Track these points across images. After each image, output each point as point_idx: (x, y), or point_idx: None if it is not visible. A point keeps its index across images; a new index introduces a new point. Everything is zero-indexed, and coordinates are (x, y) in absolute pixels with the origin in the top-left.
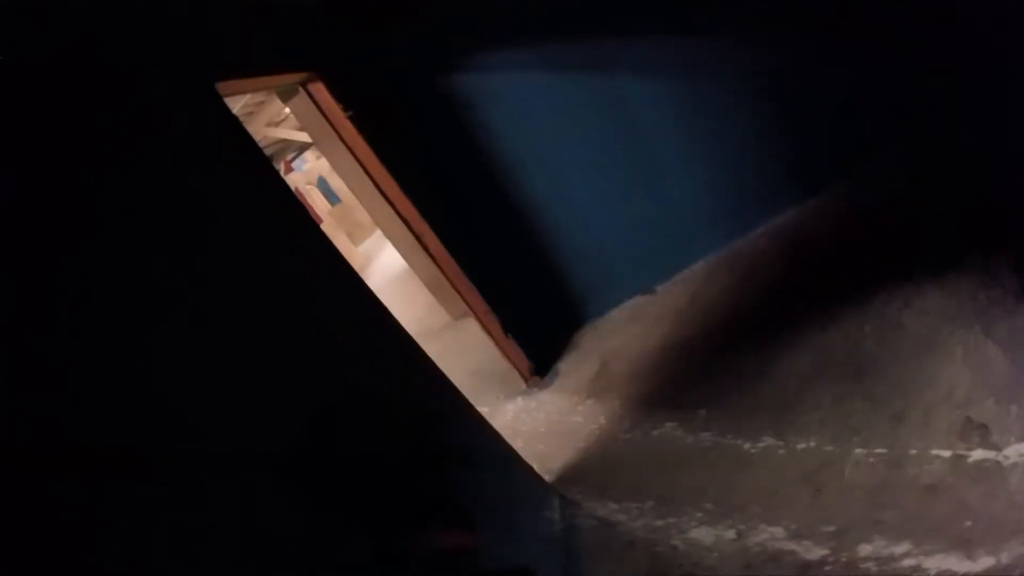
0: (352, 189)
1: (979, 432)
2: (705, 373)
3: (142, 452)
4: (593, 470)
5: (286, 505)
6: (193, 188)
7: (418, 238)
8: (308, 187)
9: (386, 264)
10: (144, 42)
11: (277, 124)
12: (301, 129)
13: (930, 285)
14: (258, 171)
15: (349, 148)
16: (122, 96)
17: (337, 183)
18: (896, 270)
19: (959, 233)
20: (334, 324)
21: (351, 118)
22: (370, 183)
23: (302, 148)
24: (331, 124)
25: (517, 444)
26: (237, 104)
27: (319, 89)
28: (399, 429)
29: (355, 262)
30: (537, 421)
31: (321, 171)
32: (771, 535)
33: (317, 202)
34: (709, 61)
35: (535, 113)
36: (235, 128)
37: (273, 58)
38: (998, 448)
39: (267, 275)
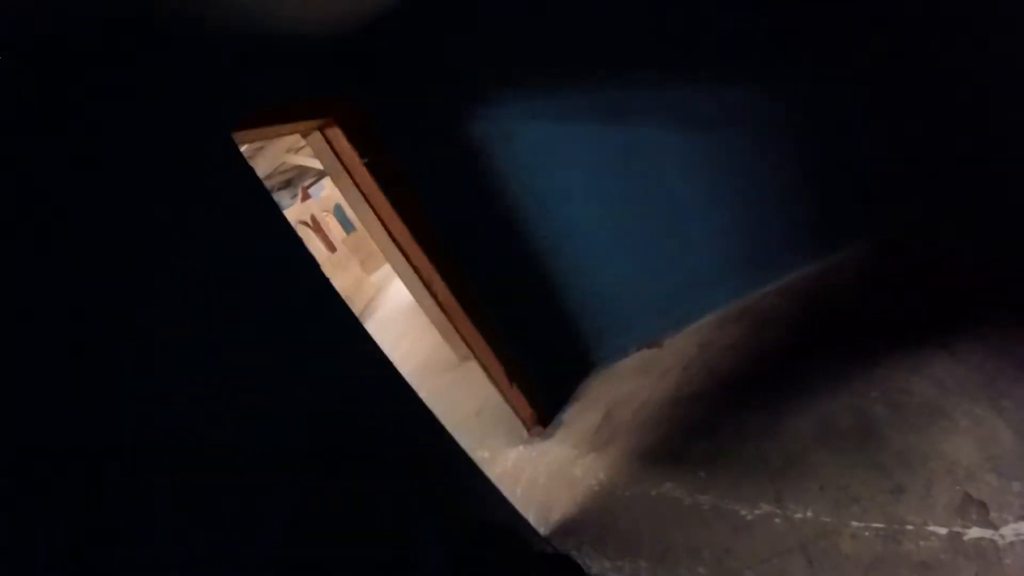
0: (364, 227)
1: (978, 509)
2: (708, 431)
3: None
4: (590, 525)
5: None
6: (202, 230)
7: (427, 285)
8: (324, 214)
9: (397, 294)
10: (163, 88)
11: (297, 151)
12: None
13: (940, 352)
14: (266, 218)
15: (362, 192)
16: (144, 137)
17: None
18: (907, 334)
19: (972, 300)
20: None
21: (366, 165)
22: (381, 227)
23: (320, 175)
24: (345, 168)
25: (516, 492)
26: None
27: (336, 134)
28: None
29: (367, 291)
30: (537, 471)
31: (338, 199)
32: None
33: (333, 230)
34: (732, 113)
35: (549, 159)
36: (247, 176)
37: (290, 107)
38: (995, 527)
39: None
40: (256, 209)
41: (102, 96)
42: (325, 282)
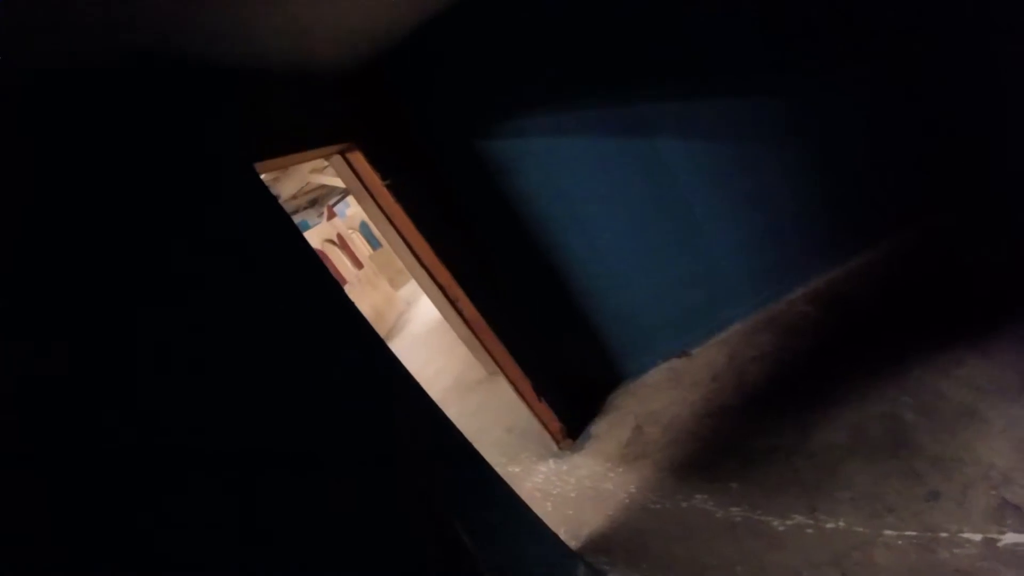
0: (390, 245)
1: (1013, 514)
2: (739, 443)
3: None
4: (621, 539)
5: None
6: (229, 262)
7: (452, 303)
8: (350, 232)
9: (427, 311)
10: (186, 127)
11: (322, 170)
12: None
13: (972, 353)
14: (287, 244)
15: (385, 213)
16: (166, 173)
17: None
18: (936, 336)
19: (1001, 299)
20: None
21: (388, 187)
22: (405, 246)
23: (346, 193)
24: (367, 189)
25: (547, 507)
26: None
27: (357, 158)
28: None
29: (396, 307)
30: (568, 485)
31: (363, 216)
32: None
33: (359, 247)
34: (749, 123)
35: (571, 173)
36: (269, 206)
37: (310, 135)
38: None
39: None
40: (278, 237)
41: (124, 132)
42: (351, 310)
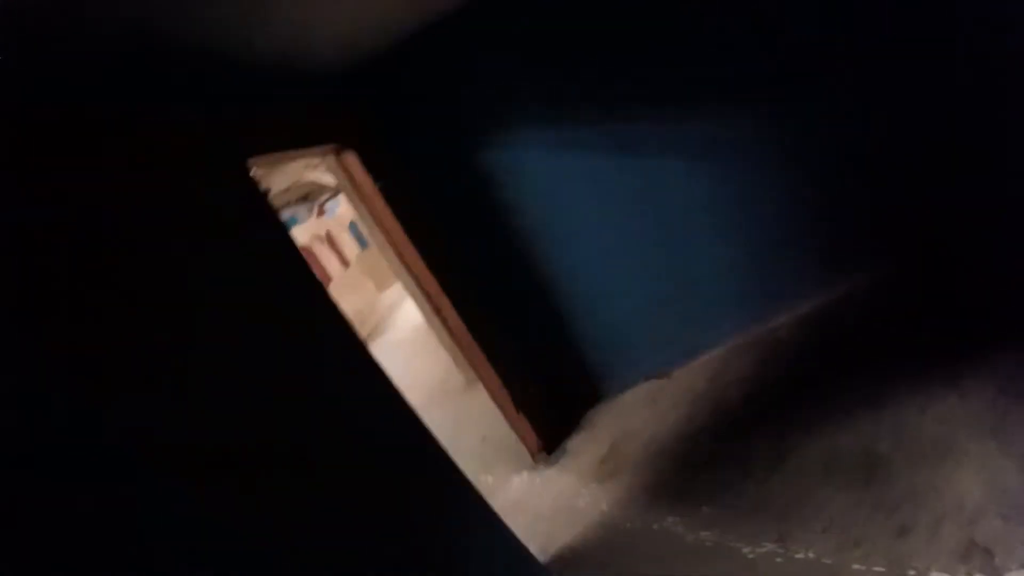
0: (377, 248)
1: (982, 555)
2: (713, 466)
3: None
4: (591, 557)
5: None
6: (216, 256)
7: (437, 310)
8: (339, 230)
9: (410, 314)
10: (182, 120)
11: (315, 166)
12: None
13: (948, 388)
14: (277, 242)
15: (375, 215)
16: (160, 168)
17: None
18: (915, 369)
19: (979, 334)
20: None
21: (380, 188)
22: (393, 250)
23: (336, 191)
24: (359, 191)
25: (519, 521)
26: None
27: (350, 158)
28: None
29: (379, 308)
30: (542, 500)
31: (353, 216)
32: None
33: (347, 247)
34: (741, 145)
35: (562, 187)
36: (259, 202)
37: (304, 133)
38: (998, 574)
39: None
40: (267, 236)
41: (119, 131)
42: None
